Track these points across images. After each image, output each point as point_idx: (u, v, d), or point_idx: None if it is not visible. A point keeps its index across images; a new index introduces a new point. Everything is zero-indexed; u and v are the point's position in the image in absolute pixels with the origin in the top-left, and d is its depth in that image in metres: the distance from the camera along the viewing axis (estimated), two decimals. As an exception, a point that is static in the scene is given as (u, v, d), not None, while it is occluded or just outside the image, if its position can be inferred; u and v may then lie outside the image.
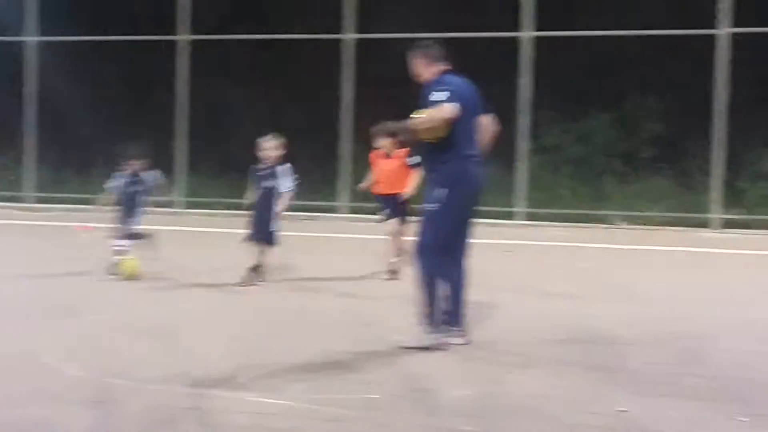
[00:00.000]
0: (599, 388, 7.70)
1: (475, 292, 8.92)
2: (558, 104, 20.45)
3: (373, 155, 12.45)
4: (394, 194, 12.17)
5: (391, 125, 8.59)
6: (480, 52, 19.60)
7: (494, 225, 17.63)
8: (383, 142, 12.24)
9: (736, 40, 17.67)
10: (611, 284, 12.29)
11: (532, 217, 18.51)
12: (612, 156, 20.38)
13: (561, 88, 20.27)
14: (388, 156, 12.31)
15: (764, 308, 10.89)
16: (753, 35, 17.96)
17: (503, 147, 19.05)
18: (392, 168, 12.24)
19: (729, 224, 17.62)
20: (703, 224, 17.63)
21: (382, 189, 12.35)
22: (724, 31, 17.69)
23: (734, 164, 18.19)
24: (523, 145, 18.83)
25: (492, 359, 8.47)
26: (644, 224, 17.90)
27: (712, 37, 17.83)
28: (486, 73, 19.64)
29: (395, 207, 12.19)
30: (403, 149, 12.04)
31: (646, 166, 19.61)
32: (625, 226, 17.99)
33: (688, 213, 17.97)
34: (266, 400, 7.11)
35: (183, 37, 21.23)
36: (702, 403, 7.33)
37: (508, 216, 18.40)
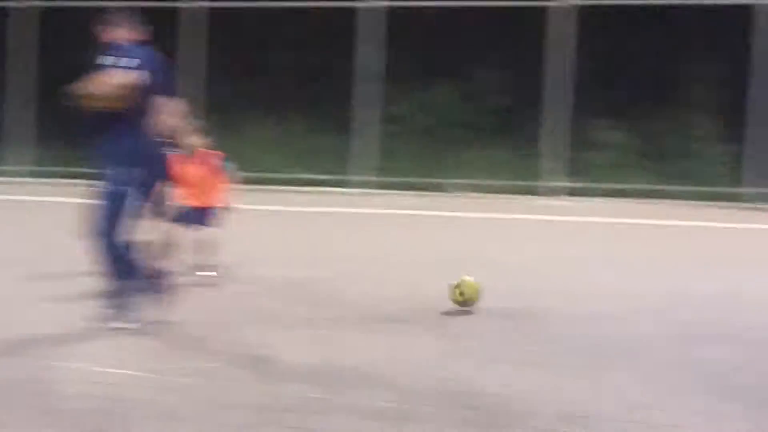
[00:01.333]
0: (445, 355, 7.87)
1: (309, 265, 9.01)
2: (404, 75, 20.63)
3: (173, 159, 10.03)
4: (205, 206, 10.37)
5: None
6: (324, 21, 19.68)
7: (337, 194, 17.75)
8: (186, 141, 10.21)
9: (578, 12, 18.03)
10: (451, 251, 12.49)
11: (378, 185, 18.66)
12: (455, 126, 20.67)
13: (407, 59, 20.44)
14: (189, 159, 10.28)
15: (608, 272, 11.22)
16: (594, 7, 18.37)
17: (347, 116, 19.22)
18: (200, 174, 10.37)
19: (569, 192, 18.08)
20: (543, 192, 18.05)
21: (192, 200, 10.33)
22: (566, 3, 18.04)
23: (574, 134, 18.65)
24: (368, 114, 18.94)
25: (327, 327, 8.57)
26: (486, 192, 18.22)
27: (553, 8, 18.16)
28: (330, 42, 19.79)
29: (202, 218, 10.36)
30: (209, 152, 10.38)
31: (489, 136, 19.94)
32: (463, 193, 18.29)
33: (529, 181, 18.36)
34: (104, 369, 7.10)
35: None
36: (535, 366, 7.56)
37: (351, 184, 18.52)
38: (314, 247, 12.21)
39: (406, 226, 14.61)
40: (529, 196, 17.69)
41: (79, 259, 8.72)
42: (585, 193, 17.87)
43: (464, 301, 8.87)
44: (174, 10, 19.86)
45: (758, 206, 16.78)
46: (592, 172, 18.71)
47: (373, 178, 18.57)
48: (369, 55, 18.61)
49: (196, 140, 10.05)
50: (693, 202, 17.23)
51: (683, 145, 18.74)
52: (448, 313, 9.23)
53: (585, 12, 18.12)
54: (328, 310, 9.15)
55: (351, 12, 18.96)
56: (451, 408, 6.54)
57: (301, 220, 14.60)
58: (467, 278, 8.93)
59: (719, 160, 18.54)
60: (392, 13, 19.01)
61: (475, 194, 17.87)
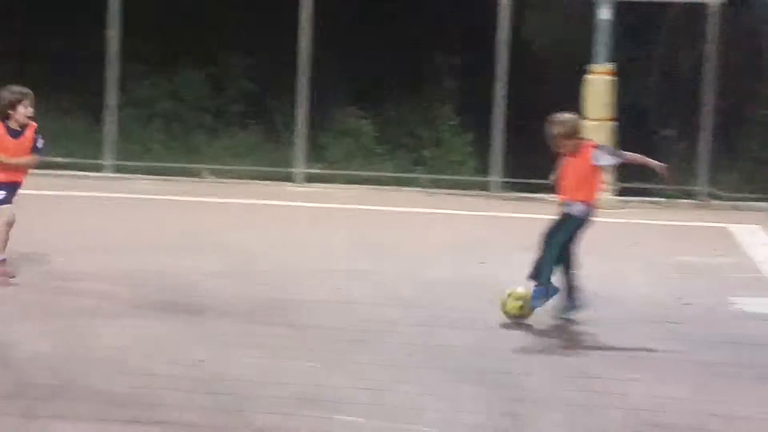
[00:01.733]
0: (180, 340, 7.94)
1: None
2: (149, 58, 20.41)
3: None
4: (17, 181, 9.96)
5: None
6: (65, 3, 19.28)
7: (81, 177, 17.47)
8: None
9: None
10: (197, 236, 12.51)
11: (121, 169, 18.43)
12: (202, 111, 20.59)
13: (152, 42, 20.23)
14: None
15: (342, 260, 11.44)
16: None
17: (92, 99, 18.92)
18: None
19: (312, 178, 18.28)
20: (289, 178, 18.21)
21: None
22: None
23: (318, 121, 18.85)
24: (112, 97, 18.70)
25: (63, 312, 8.52)
26: (233, 178, 18.25)
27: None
28: (75, 25, 19.43)
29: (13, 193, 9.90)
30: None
31: (235, 122, 19.98)
32: (214, 179, 18.29)
33: (275, 167, 18.48)
34: None
35: None
36: (280, 351, 7.73)
37: (96, 168, 18.25)
38: (64, 234, 12.03)
39: (149, 210, 14.54)
40: (281, 183, 17.83)
41: None
42: (334, 179, 18.14)
43: (521, 315, 8.93)
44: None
45: (503, 195, 17.38)
46: (340, 159, 18.99)
47: (125, 163, 18.34)
48: (114, 38, 18.37)
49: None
50: (440, 190, 17.69)
51: (431, 134, 19.20)
52: (190, 297, 9.29)
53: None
54: (71, 300, 9.08)
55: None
56: (194, 393, 6.62)
57: (47, 205, 14.33)
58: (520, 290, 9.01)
59: (467, 150, 19.07)
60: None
61: (225, 180, 17.91)
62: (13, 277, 9.54)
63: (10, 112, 9.62)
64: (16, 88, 9.76)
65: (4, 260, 9.55)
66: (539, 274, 8.95)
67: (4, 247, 9.55)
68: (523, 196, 17.11)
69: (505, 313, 8.85)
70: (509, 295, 8.89)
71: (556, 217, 9.03)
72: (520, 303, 8.85)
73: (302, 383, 6.88)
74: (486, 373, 7.33)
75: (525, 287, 8.92)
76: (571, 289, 8.99)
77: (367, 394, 6.73)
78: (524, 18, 20.40)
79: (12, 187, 9.67)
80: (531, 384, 7.12)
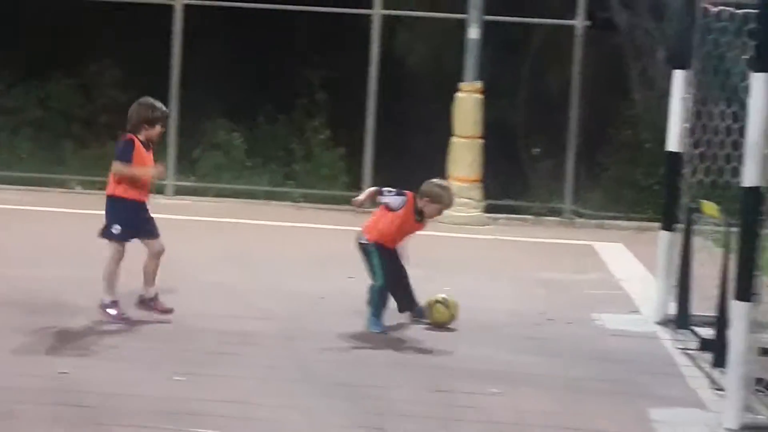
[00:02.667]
0: (42, 353, 7.82)
1: None
2: (17, 66, 20.09)
3: None
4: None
5: None
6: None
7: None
8: None
9: (189, 10, 18.12)
10: (60, 247, 12.32)
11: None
12: (72, 120, 20.31)
13: (21, 50, 19.93)
14: None
15: (209, 272, 11.35)
16: (206, 7, 18.53)
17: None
18: None
19: (182, 191, 18.13)
20: (159, 190, 18.02)
21: None
22: (178, 3, 18.09)
23: (189, 133, 18.72)
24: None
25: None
26: (102, 189, 17.96)
27: (169, 7, 18.17)
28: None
29: None
30: None
31: (104, 132, 19.70)
32: (81, 190, 18.03)
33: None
34: None
35: None
36: (142, 365, 7.64)
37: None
38: None
39: (12, 221, 14.27)
40: (151, 195, 17.60)
41: None
42: (205, 192, 18.02)
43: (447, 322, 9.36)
44: None
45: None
46: (211, 172, 18.87)
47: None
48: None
49: None
50: (311, 204, 17.68)
51: (303, 148, 19.19)
52: (55, 310, 9.15)
53: (196, 12, 18.24)
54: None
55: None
56: (55, 406, 6.52)
57: None
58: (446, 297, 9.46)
59: (338, 165, 19.11)
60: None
61: (94, 192, 17.65)
62: (171, 311, 9.08)
63: (147, 127, 8.98)
64: (161, 106, 9.19)
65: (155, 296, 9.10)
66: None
67: (151, 280, 9.12)
68: (393, 212, 17.18)
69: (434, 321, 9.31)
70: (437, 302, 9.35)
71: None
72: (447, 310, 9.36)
73: (164, 396, 6.82)
74: (349, 387, 7.35)
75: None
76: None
77: (230, 408, 6.69)
78: (396, 35, 20.57)
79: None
80: (394, 397, 7.15)
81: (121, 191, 9.00)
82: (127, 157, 8.91)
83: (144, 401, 6.67)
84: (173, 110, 18.07)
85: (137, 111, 8.97)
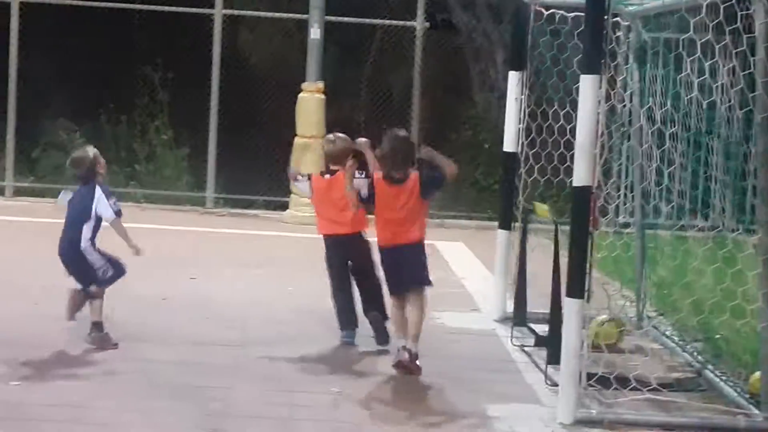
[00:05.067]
0: None
1: None
2: None
3: None
4: None
5: None
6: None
7: None
8: None
9: (27, 8, 17.76)
10: None
11: None
12: None
13: None
14: None
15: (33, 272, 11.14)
16: (45, 5, 18.17)
17: None
18: None
19: (19, 192, 17.76)
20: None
21: None
22: (14, 0, 17.70)
23: (29, 134, 18.35)
24: None
25: None
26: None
27: (5, 5, 17.78)
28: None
29: None
30: None
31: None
32: None
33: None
34: None
35: None
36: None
37: None
38: None
39: None
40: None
41: None
42: (44, 193, 17.64)
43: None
44: None
45: (217, 210, 17.31)
46: (51, 172, 18.49)
47: None
48: None
49: None
50: (154, 205, 17.48)
51: (145, 149, 18.94)
52: None
53: (34, 9, 17.90)
54: None
55: None
56: None
57: None
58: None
59: (181, 165, 18.92)
60: None
61: None
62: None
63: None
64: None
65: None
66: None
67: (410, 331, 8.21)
68: (237, 212, 17.13)
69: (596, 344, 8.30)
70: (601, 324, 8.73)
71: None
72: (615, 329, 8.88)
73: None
74: (189, 388, 7.31)
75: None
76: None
77: (66, 411, 6.60)
78: (239, 34, 20.48)
79: None
80: (235, 399, 7.14)
81: None
82: None
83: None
84: (10, 110, 17.69)
85: None
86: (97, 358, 8.00)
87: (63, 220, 8.70)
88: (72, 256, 8.48)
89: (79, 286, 8.52)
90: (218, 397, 7.14)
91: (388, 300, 8.52)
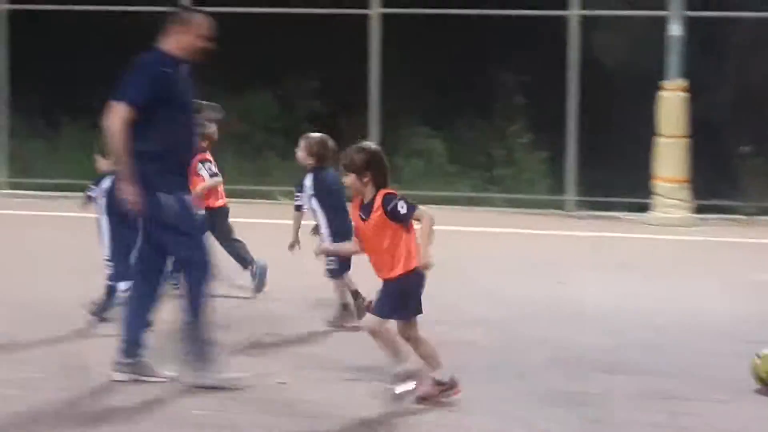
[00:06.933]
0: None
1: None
2: (219, 80, 20.58)
3: None
4: None
5: None
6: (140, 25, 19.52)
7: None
8: None
9: (386, 19, 18.27)
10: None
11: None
12: (273, 132, 20.68)
13: (222, 65, 20.38)
14: None
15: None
16: (401, 15, 18.66)
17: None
18: None
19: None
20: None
21: None
22: (375, 11, 18.27)
23: (390, 142, 18.85)
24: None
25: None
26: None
27: (365, 16, 18.38)
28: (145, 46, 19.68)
29: None
30: None
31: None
32: (286, 201, 18.34)
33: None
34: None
35: None
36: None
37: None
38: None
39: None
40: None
41: None
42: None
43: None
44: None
45: (578, 213, 17.21)
46: (411, 179, 18.94)
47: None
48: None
49: None
50: (514, 209, 17.59)
51: (503, 153, 19.10)
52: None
53: (391, 20, 18.38)
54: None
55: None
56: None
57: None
58: None
59: (540, 168, 18.97)
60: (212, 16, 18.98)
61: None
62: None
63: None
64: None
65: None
66: None
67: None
68: (598, 215, 16.98)
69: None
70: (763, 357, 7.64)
71: None
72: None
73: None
74: (565, 394, 7.25)
75: None
76: None
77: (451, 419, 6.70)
78: (594, 35, 20.33)
79: None
80: (611, 404, 7.05)
81: None
82: None
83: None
84: (372, 119, 18.22)
85: None
86: (471, 362, 8.06)
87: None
88: None
89: None
90: (598, 403, 7.08)
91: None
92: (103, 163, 8.91)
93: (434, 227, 6.93)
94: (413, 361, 6.99)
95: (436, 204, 17.98)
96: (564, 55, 17.76)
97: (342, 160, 7.25)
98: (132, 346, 7.26)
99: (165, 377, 7.25)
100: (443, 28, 19.41)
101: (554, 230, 15.58)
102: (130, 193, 7.05)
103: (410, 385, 6.89)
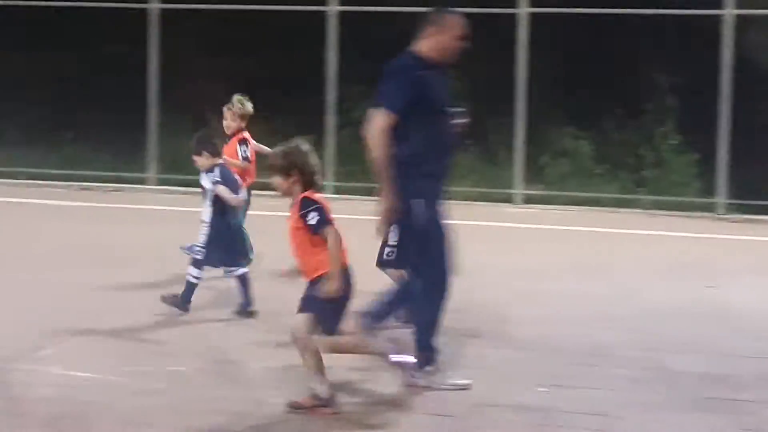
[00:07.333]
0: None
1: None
2: (365, 79, 20.64)
3: None
4: None
5: None
6: (286, 26, 19.73)
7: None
8: None
9: (535, 19, 18.13)
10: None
11: (339, 190, 18.64)
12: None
13: (368, 63, 20.43)
14: None
15: (559, 281, 11.26)
16: (551, 14, 18.50)
17: (313, 121, 19.22)
18: None
19: (530, 200, 18.12)
20: (507, 199, 18.09)
21: None
22: (523, 10, 18.14)
23: (536, 141, 18.68)
24: (331, 119, 18.96)
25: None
26: (451, 199, 18.17)
27: (512, 16, 18.25)
28: (294, 47, 19.85)
29: None
30: None
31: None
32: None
33: (493, 188, 18.41)
34: (72, 373, 7.10)
35: None
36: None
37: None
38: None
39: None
40: (499, 204, 17.72)
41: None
42: (552, 201, 17.92)
43: None
44: None
45: (730, 217, 16.82)
46: (558, 179, 18.76)
47: (342, 184, 18.58)
48: (333, 61, 18.69)
49: None
50: (662, 211, 17.27)
51: (652, 154, 18.77)
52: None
53: (540, 18, 18.20)
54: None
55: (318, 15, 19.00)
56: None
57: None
58: None
59: (690, 170, 18.59)
60: (356, 16, 19.07)
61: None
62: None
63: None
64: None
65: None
66: None
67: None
68: (751, 218, 16.55)
69: None
70: None
71: None
72: None
73: (528, 406, 6.78)
74: (718, 401, 7.05)
75: None
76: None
77: (594, 420, 6.57)
78: (748, 35, 19.82)
79: None
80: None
81: None
82: None
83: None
84: (518, 118, 18.08)
85: None
86: (616, 365, 7.89)
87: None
88: None
89: None
90: (752, 411, 6.84)
91: None
92: (201, 162, 9.14)
93: (343, 249, 6.50)
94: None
95: (581, 205, 17.79)
96: (717, 55, 17.36)
97: (269, 160, 6.81)
98: (428, 352, 7.14)
99: (459, 385, 7.11)
100: (592, 28, 19.15)
101: (704, 233, 15.22)
102: (389, 201, 6.97)
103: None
